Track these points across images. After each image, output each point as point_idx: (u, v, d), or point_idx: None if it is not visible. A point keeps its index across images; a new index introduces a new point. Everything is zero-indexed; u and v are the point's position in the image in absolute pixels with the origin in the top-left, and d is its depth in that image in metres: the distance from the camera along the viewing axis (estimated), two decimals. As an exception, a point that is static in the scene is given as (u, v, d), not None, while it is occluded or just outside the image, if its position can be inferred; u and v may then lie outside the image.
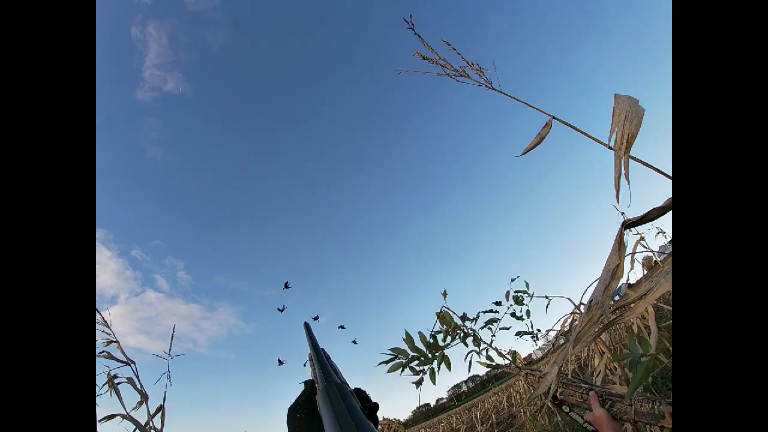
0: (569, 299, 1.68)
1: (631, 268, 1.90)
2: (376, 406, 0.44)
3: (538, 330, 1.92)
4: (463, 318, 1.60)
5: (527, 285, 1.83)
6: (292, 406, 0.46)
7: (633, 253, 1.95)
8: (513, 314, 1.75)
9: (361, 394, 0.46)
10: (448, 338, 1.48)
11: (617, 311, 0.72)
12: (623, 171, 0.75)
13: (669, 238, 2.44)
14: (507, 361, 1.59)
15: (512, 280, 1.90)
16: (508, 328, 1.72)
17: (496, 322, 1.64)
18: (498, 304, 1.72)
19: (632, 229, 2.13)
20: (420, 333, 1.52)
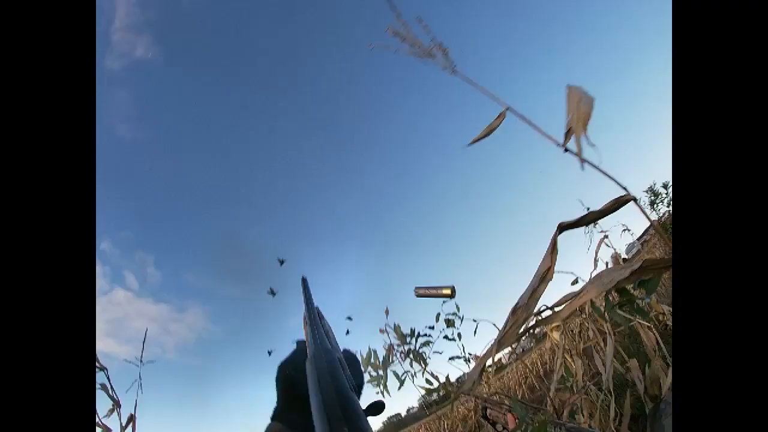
0: (494, 324, 1.67)
1: (594, 268, 1.85)
2: (361, 379, 0.46)
3: (470, 354, 1.90)
4: (401, 336, 1.65)
5: (458, 307, 1.82)
6: (282, 363, 0.46)
7: (596, 253, 1.90)
8: (446, 337, 1.76)
9: (348, 355, 0.47)
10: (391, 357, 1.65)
11: (543, 314, 0.74)
12: (582, 146, 0.74)
13: (635, 236, 2.43)
14: (438, 384, 1.69)
15: (443, 302, 1.85)
16: (440, 353, 1.82)
17: (429, 344, 1.72)
18: (431, 328, 1.80)
19: (596, 226, 2.09)
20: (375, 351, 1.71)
